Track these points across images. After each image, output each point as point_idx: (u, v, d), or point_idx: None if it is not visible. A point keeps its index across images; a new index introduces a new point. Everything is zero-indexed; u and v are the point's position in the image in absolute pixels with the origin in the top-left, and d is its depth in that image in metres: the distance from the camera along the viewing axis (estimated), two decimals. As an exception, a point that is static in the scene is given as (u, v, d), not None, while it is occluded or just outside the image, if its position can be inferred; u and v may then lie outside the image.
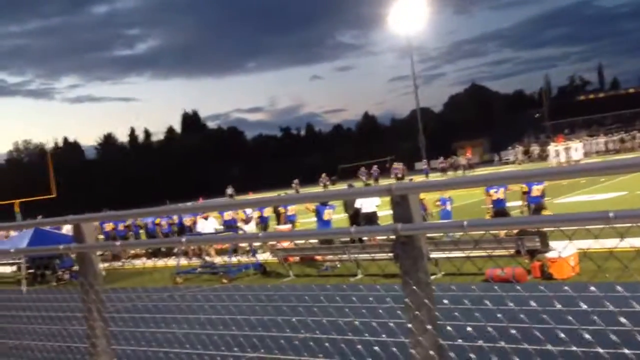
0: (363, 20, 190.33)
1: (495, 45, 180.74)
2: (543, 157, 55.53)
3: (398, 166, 55.75)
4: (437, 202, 16.15)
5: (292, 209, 19.38)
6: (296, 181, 62.10)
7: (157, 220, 21.75)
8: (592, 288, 3.31)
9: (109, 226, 22.62)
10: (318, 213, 16.35)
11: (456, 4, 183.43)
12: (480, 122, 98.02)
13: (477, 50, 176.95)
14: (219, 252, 18.88)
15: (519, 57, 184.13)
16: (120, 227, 22.47)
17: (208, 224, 19.71)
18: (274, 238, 7.65)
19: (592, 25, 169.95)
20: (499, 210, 14.41)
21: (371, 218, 16.41)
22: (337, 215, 17.68)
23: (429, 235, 2.35)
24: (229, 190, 63.46)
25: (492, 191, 14.58)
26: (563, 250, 10.02)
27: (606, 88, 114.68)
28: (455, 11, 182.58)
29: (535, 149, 59.25)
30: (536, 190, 14.12)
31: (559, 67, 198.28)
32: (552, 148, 51.79)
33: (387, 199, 2.39)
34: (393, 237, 2.37)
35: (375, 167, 63.26)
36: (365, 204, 16.55)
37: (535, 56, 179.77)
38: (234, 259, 15.91)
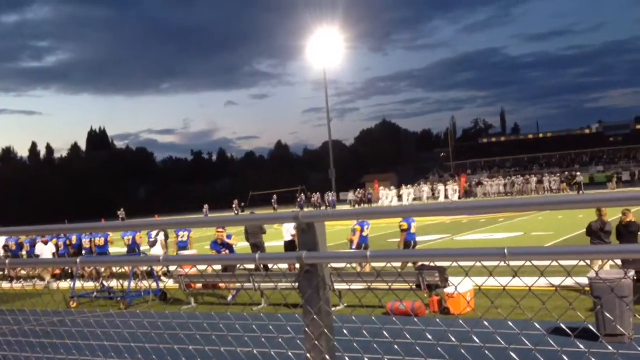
0: (281, 51, 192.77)
1: (407, 85, 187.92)
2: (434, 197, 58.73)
3: (317, 195, 62.37)
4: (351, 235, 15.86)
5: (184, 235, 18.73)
6: (206, 206, 61.17)
7: (54, 241, 20.68)
8: (486, 323, 3.42)
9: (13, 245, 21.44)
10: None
11: (373, 42, 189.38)
12: (389, 157, 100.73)
13: (390, 88, 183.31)
14: (118, 277, 18.14)
15: (429, 98, 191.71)
16: (11, 244, 21.25)
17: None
18: (175, 262, 7.42)
19: (497, 72, 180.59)
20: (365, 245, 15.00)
21: (287, 247, 16.63)
22: (242, 243, 17.50)
23: (333, 265, 2.34)
24: (120, 213, 61.79)
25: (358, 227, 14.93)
26: (460, 286, 10.33)
27: (507, 132, 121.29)
28: (372, 49, 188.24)
29: (436, 187, 61.18)
30: (414, 227, 14.74)
31: (465, 110, 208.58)
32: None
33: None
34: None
35: (275, 198, 63.97)
36: (285, 233, 16.82)
37: (443, 98, 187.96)
38: (132, 284, 15.35)
